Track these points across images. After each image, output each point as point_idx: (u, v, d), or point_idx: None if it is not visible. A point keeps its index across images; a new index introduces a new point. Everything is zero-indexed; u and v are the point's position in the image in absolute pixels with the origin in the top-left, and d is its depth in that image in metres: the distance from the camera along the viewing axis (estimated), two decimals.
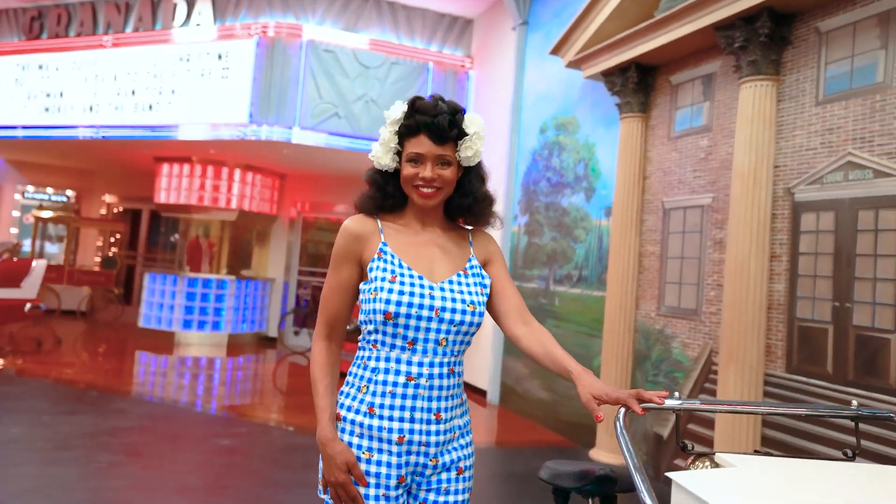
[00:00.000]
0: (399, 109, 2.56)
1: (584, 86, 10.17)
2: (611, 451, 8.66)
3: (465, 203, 2.63)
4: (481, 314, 2.51)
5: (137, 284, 19.67)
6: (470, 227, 2.71)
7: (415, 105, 2.56)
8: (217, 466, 7.23)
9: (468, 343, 2.54)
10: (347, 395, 2.54)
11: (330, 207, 17.82)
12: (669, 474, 1.97)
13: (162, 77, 14.14)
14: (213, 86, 13.71)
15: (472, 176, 2.63)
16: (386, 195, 2.61)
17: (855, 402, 2.36)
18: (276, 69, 13.34)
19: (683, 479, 1.93)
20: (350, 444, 2.49)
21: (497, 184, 12.15)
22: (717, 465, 2.15)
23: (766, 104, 6.77)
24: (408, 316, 2.43)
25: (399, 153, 2.58)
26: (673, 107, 8.29)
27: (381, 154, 2.58)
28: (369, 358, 2.50)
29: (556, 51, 10.04)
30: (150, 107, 14.19)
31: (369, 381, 2.48)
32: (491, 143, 12.15)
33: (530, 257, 11.24)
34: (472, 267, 2.59)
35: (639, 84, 8.67)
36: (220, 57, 13.74)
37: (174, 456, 7.45)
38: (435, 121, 2.49)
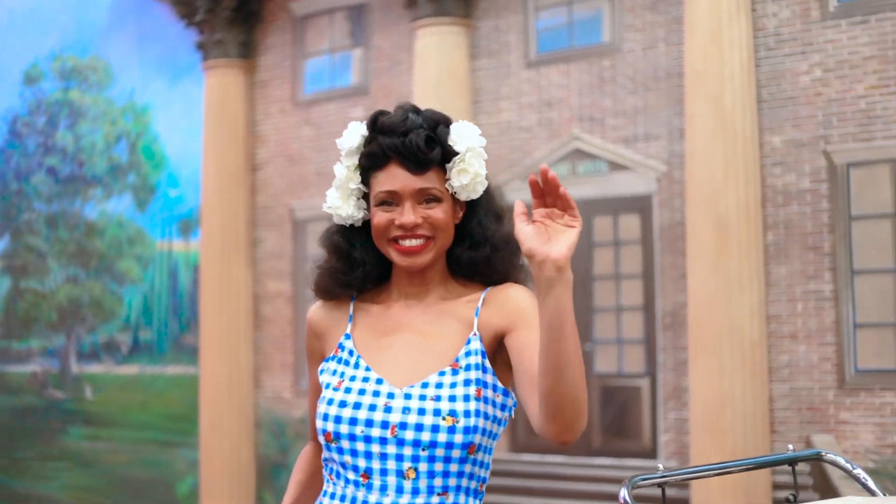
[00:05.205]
0: (355, 133, 2.34)
1: (122, 4, 8.37)
2: None
3: (479, 255, 2.34)
4: (471, 430, 2.21)
5: None
6: (489, 287, 2.36)
7: (376, 123, 2.33)
8: None
9: (469, 476, 2.26)
10: None
11: None
12: None
13: None
14: None
15: (481, 212, 2.35)
16: (352, 265, 2.39)
17: (791, 446, 2.59)
18: None
19: None
20: None
21: None
22: None
23: (456, 59, 6.57)
24: (352, 437, 2.23)
25: (366, 196, 2.35)
26: (300, 53, 7.58)
27: (340, 201, 2.36)
28: (324, 493, 2.35)
29: None
30: None
31: None
32: None
33: (22, 317, 8.64)
34: (468, 355, 2.28)
35: (238, 11, 7.63)
36: None
37: None
38: (406, 140, 2.26)
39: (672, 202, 6.54)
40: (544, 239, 2.00)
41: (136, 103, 8.34)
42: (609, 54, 6.74)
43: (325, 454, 2.34)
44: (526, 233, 2.01)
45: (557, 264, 1.97)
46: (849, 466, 2.47)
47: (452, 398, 2.26)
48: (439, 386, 2.27)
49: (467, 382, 2.27)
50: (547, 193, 2.02)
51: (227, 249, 7.56)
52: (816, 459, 2.59)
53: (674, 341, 6.40)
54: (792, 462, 2.57)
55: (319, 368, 2.41)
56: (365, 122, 2.37)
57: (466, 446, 2.22)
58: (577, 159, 6.81)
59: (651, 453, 6.44)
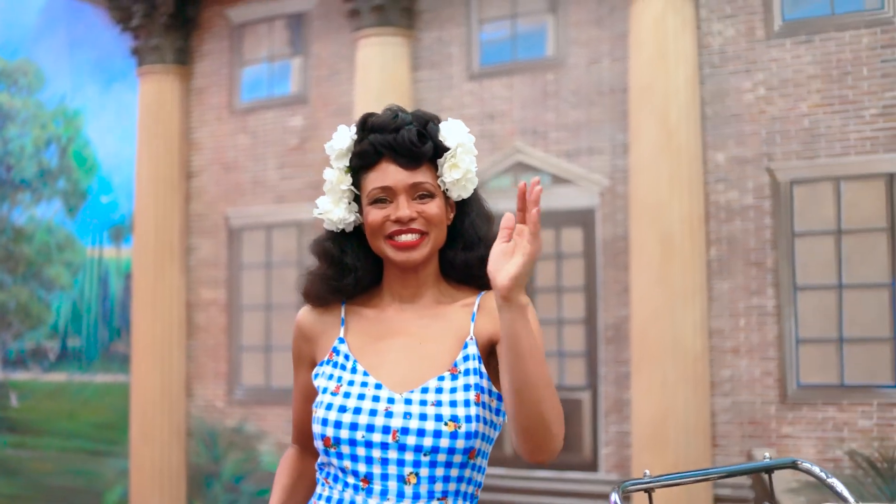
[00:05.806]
0: (345, 135, 2.36)
1: (54, 7, 8.32)
2: None
3: (474, 257, 2.34)
4: (472, 435, 2.22)
5: None
6: (483, 292, 2.37)
7: (366, 123, 2.35)
8: None
9: (468, 480, 2.27)
10: None
11: None
12: None
13: None
14: None
15: (472, 213, 2.38)
16: (344, 270, 2.37)
17: (767, 454, 2.67)
18: None
19: None
20: None
21: None
22: None
23: (398, 70, 6.65)
24: (352, 443, 2.23)
25: (357, 199, 2.35)
26: (237, 60, 7.54)
27: (331, 205, 2.36)
28: (319, 497, 2.33)
29: None
30: None
31: None
32: None
33: None
34: (466, 359, 2.29)
35: (175, 17, 7.63)
36: None
37: None
38: (398, 136, 2.29)
39: (615, 216, 6.59)
40: (505, 261, 2.01)
41: (68, 107, 8.13)
42: (553, 68, 6.76)
43: (322, 458, 2.31)
44: (494, 252, 2.03)
45: (500, 293, 1.99)
46: (823, 475, 2.53)
47: (453, 403, 2.24)
48: (439, 391, 2.25)
49: (467, 387, 2.26)
50: (522, 207, 2.01)
51: (161, 256, 7.43)
52: (791, 468, 2.65)
53: (616, 355, 6.44)
54: (769, 470, 2.66)
55: (313, 373, 2.37)
56: (354, 124, 2.37)
57: (468, 451, 2.21)
58: (520, 172, 6.83)
59: (592, 466, 6.47)
